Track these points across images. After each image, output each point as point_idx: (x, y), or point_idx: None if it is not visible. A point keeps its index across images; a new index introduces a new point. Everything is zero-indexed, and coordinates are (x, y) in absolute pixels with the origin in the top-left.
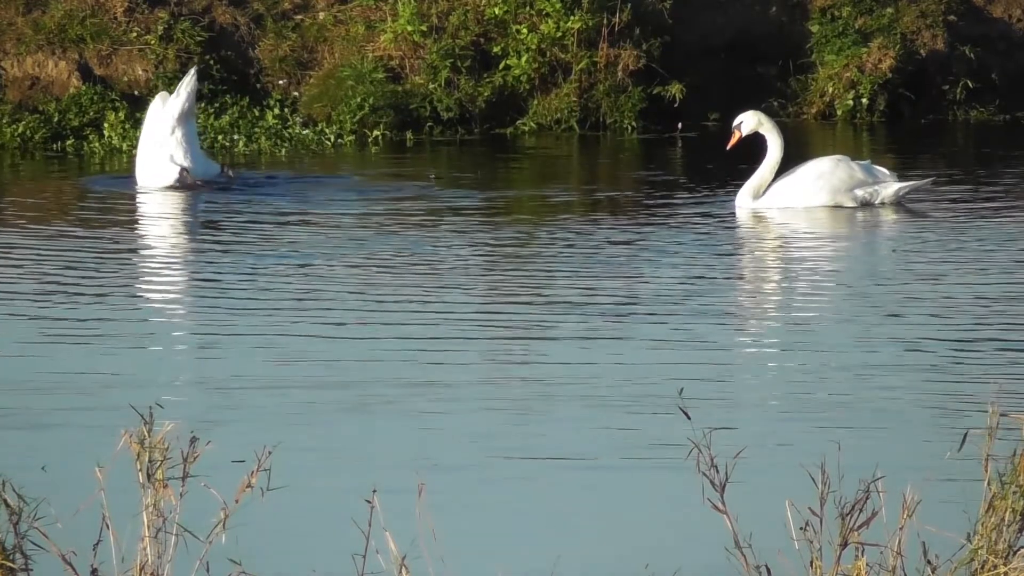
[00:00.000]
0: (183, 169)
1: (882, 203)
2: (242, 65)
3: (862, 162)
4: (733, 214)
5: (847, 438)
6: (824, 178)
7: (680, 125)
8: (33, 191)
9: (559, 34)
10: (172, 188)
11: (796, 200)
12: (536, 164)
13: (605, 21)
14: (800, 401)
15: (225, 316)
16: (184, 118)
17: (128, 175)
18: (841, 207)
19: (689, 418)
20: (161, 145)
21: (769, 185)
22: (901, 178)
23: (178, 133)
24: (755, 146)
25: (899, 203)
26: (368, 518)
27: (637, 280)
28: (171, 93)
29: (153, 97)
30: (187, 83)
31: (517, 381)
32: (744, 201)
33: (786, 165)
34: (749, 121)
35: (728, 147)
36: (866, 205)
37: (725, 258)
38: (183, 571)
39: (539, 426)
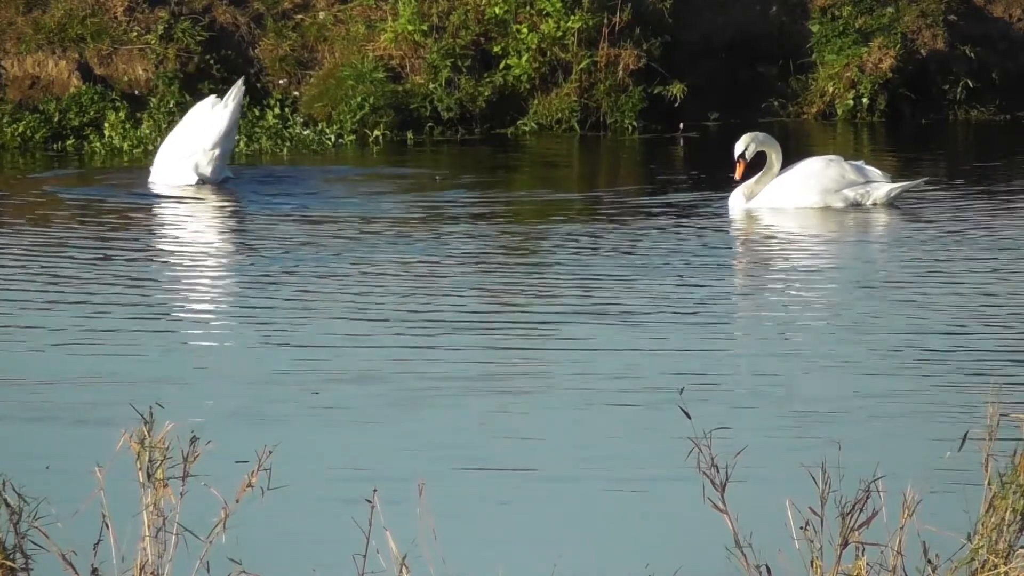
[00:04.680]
0: (201, 179)
1: (874, 204)
2: (242, 65)
3: (855, 162)
4: (727, 215)
5: (847, 438)
6: (814, 178)
7: (681, 125)
8: (34, 191)
9: (559, 34)
10: (180, 187)
11: (787, 201)
12: (537, 164)
13: (605, 21)
14: (800, 401)
15: (225, 316)
16: (229, 134)
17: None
18: (832, 208)
19: (689, 418)
20: (192, 154)
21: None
22: (898, 178)
23: (216, 151)
24: (760, 157)
25: (892, 204)
26: (368, 518)
27: (634, 281)
28: (218, 97)
29: (154, 97)
30: (235, 95)
31: (517, 381)
32: (737, 202)
33: (784, 165)
34: (750, 146)
35: (738, 177)
36: (857, 206)
37: (722, 259)
38: (183, 571)
39: (540, 426)
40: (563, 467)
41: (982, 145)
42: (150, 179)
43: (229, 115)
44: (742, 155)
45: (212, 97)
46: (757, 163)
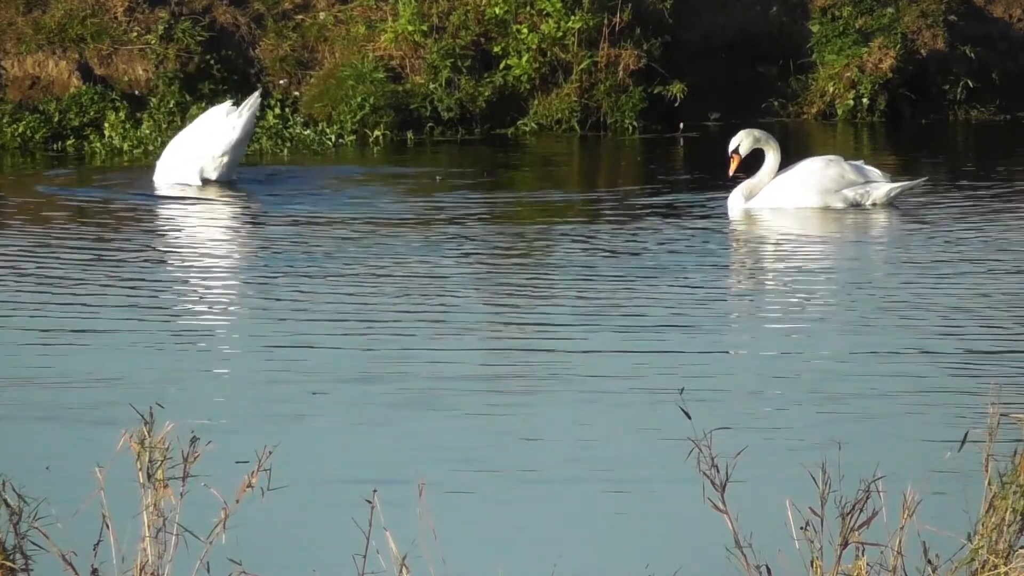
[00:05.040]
0: (205, 182)
1: (873, 204)
2: (243, 65)
3: (855, 162)
4: (725, 215)
5: (847, 438)
6: (814, 178)
7: (682, 125)
8: (34, 191)
9: (560, 34)
10: (182, 187)
11: (786, 201)
12: (537, 164)
13: (606, 21)
14: (800, 401)
15: (225, 316)
16: (239, 144)
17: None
18: (832, 208)
19: (690, 418)
20: (200, 157)
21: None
22: (897, 178)
23: (225, 159)
24: (758, 157)
25: (891, 204)
26: (368, 518)
27: (634, 282)
28: (233, 104)
29: (154, 97)
30: (251, 105)
31: (517, 382)
32: (736, 202)
33: (783, 165)
34: (745, 142)
35: (730, 173)
36: (857, 206)
37: (721, 259)
38: (183, 571)
39: (539, 426)
40: (563, 468)
41: (982, 145)
42: (153, 177)
43: (243, 125)
44: (736, 150)
45: (228, 104)
46: (756, 162)
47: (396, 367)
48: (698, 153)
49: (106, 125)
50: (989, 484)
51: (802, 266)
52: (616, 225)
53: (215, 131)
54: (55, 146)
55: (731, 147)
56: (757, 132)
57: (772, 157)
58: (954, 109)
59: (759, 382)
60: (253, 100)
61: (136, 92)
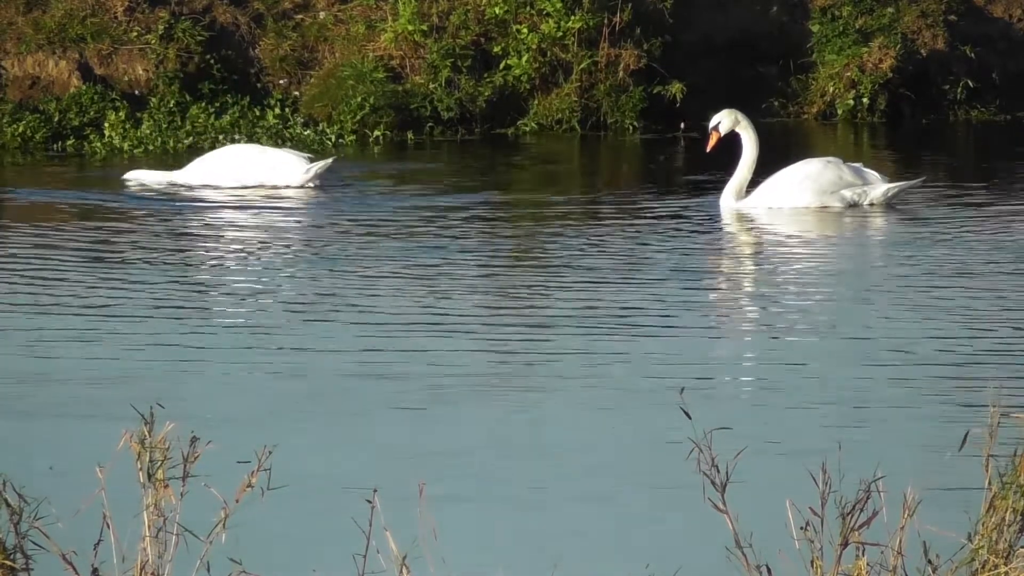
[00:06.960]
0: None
1: (871, 204)
2: (243, 65)
3: (853, 164)
4: (719, 215)
5: (847, 438)
6: (811, 179)
7: (683, 125)
8: (34, 191)
9: (560, 34)
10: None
11: (782, 201)
12: (537, 164)
13: (606, 21)
14: (800, 401)
15: (226, 316)
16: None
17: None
18: (829, 208)
19: (690, 418)
20: (240, 172)
21: (754, 184)
22: (896, 178)
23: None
24: (739, 145)
25: (889, 205)
26: (368, 518)
27: (634, 283)
28: (307, 159)
29: (154, 97)
30: (321, 167)
31: (517, 383)
32: (728, 202)
33: (785, 165)
34: (726, 120)
35: (708, 149)
36: (854, 206)
37: (721, 260)
38: (184, 571)
39: (540, 426)
40: (563, 467)
41: (982, 145)
42: (185, 178)
43: (300, 183)
44: (716, 127)
45: (302, 159)
46: (736, 149)
47: (398, 368)
48: (698, 153)
49: (106, 125)
50: (989, 484)
51: (801, 266)
52: (615, 225)
53: (277, 172)
54: (55, 146)
55: (711, 124)
56: (739, 114)
57: (750, 148)
58: (954, 109)
59: (759, 382)
60: (325, 164)
61: (136, 92)
